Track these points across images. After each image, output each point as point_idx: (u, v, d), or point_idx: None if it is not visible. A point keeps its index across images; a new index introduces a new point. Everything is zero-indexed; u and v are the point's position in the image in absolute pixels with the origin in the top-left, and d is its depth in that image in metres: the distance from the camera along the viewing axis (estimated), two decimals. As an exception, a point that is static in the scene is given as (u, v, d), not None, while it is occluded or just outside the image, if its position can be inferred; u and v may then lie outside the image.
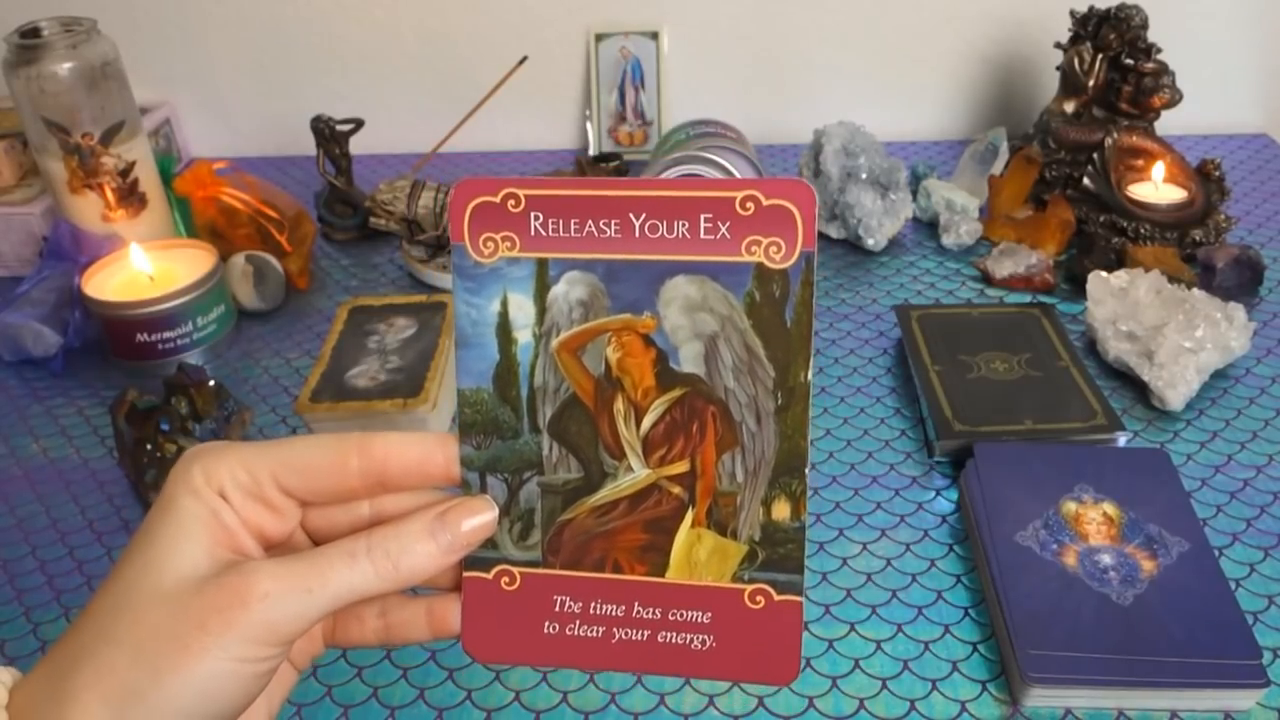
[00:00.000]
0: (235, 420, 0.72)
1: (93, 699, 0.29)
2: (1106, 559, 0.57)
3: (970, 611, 0.58)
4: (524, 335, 0.34)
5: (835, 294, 0.89)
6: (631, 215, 0.32)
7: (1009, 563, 0.57)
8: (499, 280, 0.33)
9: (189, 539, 0.31)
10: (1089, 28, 0.96)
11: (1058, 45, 0.99)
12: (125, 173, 0.89)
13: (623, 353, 0.34)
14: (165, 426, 0.69)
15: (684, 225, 0.32)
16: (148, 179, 0.91)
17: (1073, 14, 0.97)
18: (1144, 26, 0.95)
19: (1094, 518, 0.60)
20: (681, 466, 0.34)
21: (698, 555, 0.34)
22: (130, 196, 0.90)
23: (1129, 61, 0.95)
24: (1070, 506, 0.60)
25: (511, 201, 0.33)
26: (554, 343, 0.34)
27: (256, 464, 0.33)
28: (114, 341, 0.83)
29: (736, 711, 0.53)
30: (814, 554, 0.62)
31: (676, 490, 0.34)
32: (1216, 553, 0.60)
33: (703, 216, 0.32)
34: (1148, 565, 0.56)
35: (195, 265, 0.85)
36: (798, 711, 0.53)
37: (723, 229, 0.32)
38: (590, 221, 0.33)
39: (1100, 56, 0.96)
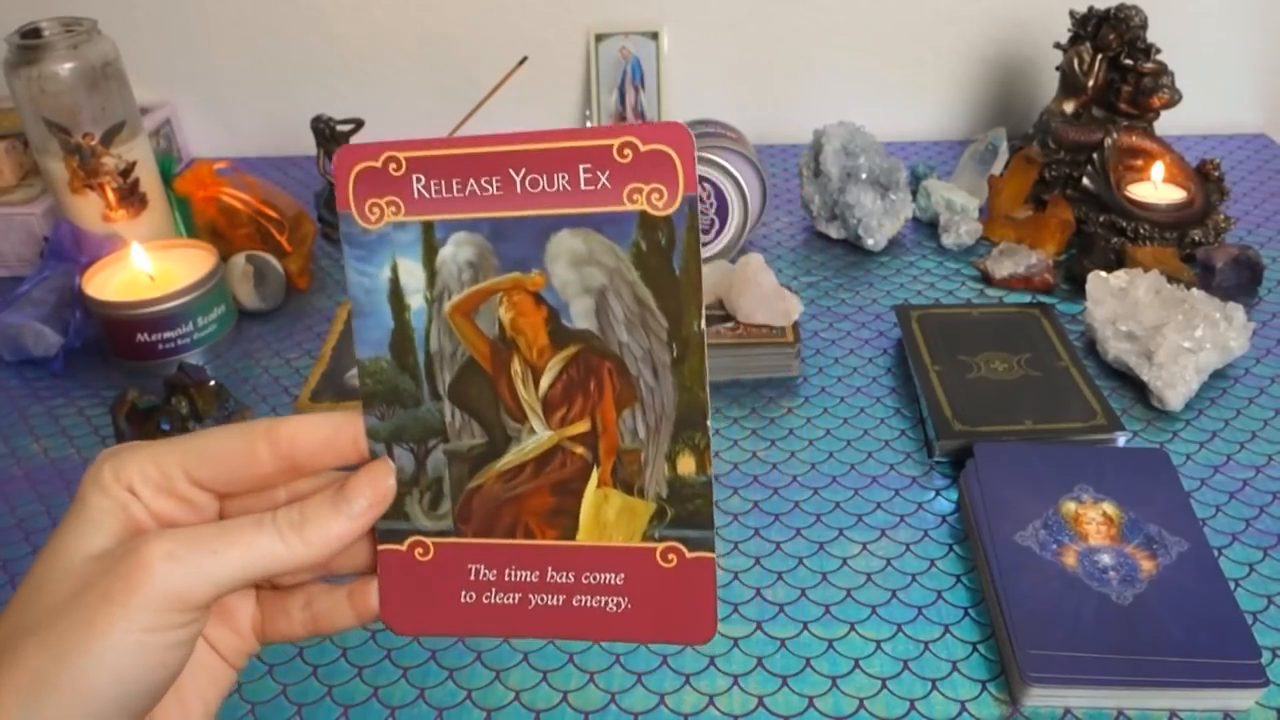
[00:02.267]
0: (235, 420, 0.72)
1: (6, 693, 0.29)
2: (1106, 559, 0.57)
3: (970, 611, 0.58)
4: (416, 300, 0.33)
5: (835, 294, 0.89)
6: (511, 171, 0.32)
7: (1009, 563, 0.57)
8: (387, 246, 0.33)
9: (97, 529, 0.31)
10: (1089, 28, 0.96)
11: (1057, 45, 0.99)
12: (126, 173, 0.89)
13: (515, 312, 0.33)
14: (166, 426, 0.69)
15: (564, 177, 0.31)
16: (148, 179, 0.91)
17: (1072, 14, 0.97)
18: (1143, 26, 0.95)
19: (1094, 518, 0.60)
20: (582, 426, 0.34)
21: (606, 515, 0.34)
22: (131, 196, 0.90)
23: (1128, 62, 0.95)
24: (1070, 506, 0.61)
25: (393, 165, 0.33)
26: (446, 306, 0.33)
27: (165, 459, 0.33)
28: (114, 341, 0.83)
29: (736, 711, 0.53)
30: (814, 554, 0.63)
31: (580, 450, 0.34)
32: (1216, 552, 0.60)
33: (581, 167, 0.31)
34: (1147, 565, 0.56)
35: (195, 265, 0.85)
36: (798, 711, 0.53)
37: (602, 179, 0.31)
38: (472, 180, 0.32)
39: (1100, 57, 0.96)
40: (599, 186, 0.31)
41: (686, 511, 0.33)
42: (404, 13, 1.13)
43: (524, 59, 1.05)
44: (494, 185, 0.32)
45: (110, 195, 0.89)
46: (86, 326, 0.84)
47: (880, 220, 0.93)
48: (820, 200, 0.96)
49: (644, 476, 0.33)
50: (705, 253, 0.91)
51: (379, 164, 0.33)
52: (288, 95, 1.18)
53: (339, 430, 0.34)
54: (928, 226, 0.99)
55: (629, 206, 0.31)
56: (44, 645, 0.29)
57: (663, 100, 1.14)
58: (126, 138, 0.89)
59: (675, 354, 0.32)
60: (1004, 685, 0.54)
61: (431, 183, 0.32)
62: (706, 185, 0.89)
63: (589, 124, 1.16)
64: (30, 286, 0.86)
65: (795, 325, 0.79)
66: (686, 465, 0.33)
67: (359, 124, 1.01)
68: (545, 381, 0.34)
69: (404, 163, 0.32)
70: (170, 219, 0.95)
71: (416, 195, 0.33)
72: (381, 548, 0.35)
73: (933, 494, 0.67)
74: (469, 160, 0.32)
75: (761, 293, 0.78)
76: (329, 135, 0.99)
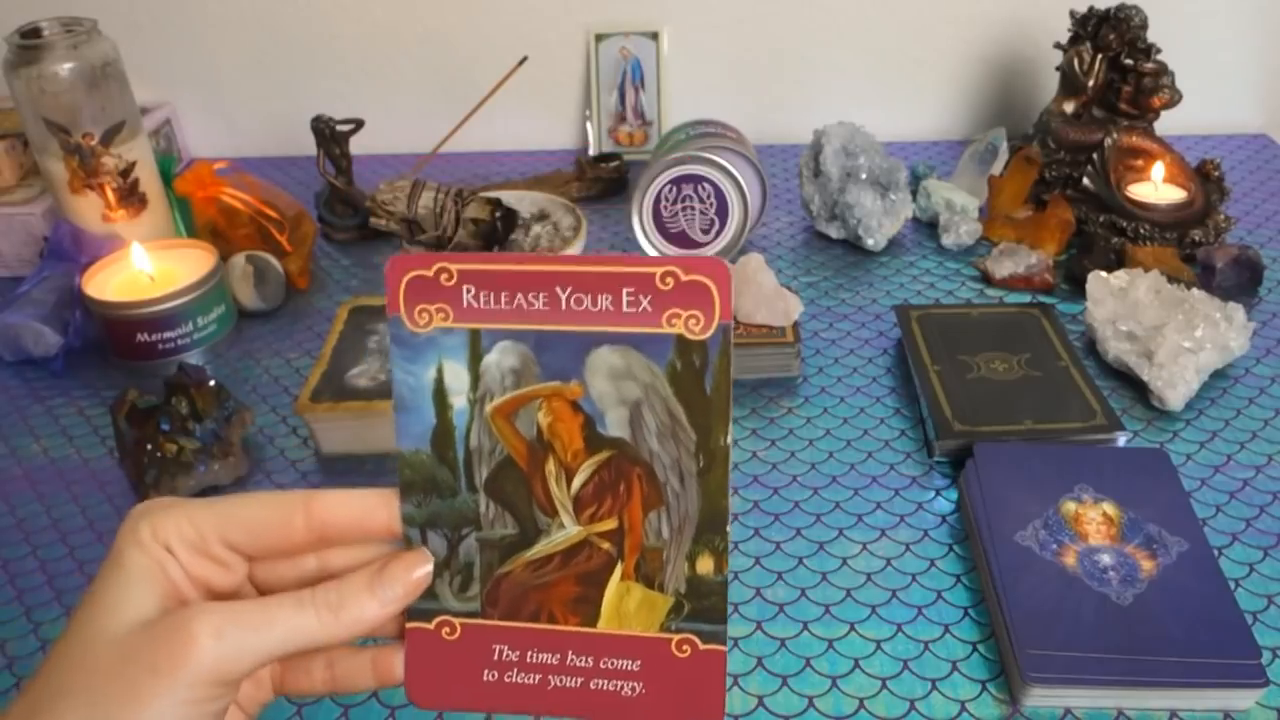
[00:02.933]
0: (235, 420, 0.72)
1: None
2: (1106, 559, 0.57)
3: (970, 611, 0.58)
4: (459, 401, 0.36)
5: (835, 294, 0.89)
6: (558, 289, 0.34)
7: (1009, 563, 0.57)
8: (434, 349, 0.35)
9: (136, 588, 0.32)
10: (1089, 28, 0.96)
11: (1058, 45, 0.99)
12: (126, 173, 0.89)
13: (553, 418, 0.35)
14: (166, 426, 0.69)
15: (607, 298, 0.34)
16: (148, 179, 0.91)
17: (1073, 14, 0.97)
18: (1144, 26, 0.95)
19: (1094, 518, 0.60)
20: (610, 524, 0.36)
21: (627, 607, 0.36)
22: (131, 196, 0.90)
23: (1129, 62, 0.95)
24: (1070, 506, 0.61)
25: (444, 275, 0.34)
26: (488, 408, 0.36)
27: (202, 520, 0.34)
28: (114, 341, 0.83)
29: (736, 711, 0.53)
30: (814, 554, 0.63)
31: (606, 546, 0.36)
32: (1216, 552, 0.60)
33: (625, 290, 0.34)
34: (1147, 565, 0.56)
35: (195, 265, 0.85)
36: (798, 711, 0.53)
37: (644, 302, 0.34)
38: (519, 294, 0.34)
39: (1100, 57, 0.96)
40: (640, 309, 0.34)
41: (703, 607, 0.35)
42: (404, 13, 1.13)
43: (524, 59, 1.05)
44: (540, 300, 0.34)
45: (110, 195, 0.89)
46: (86, 326, 0.84)
47: (880, 220, 0.93)
48: (820, 200, 0.96)
49: (665, 573, 0.36)
50: (705, 252, 0.91)
51: (430, 273, 0.35)
52: (288, 95, 1.18)
53: (374, 511, 0.35)
54: (928, 226, 0.99)
55: (667, 329, 0.34)
56: (91, 711, 0.30)
57: (663, 100, 1.14)
58: (126, 138, 0.89)
59: (702, 464, 0.35)
60: (1004, 685, 0.54)
61: (481, 294, 0.34)
62: (706, 185, 0.89)
63: (589, 124, 1.16)
64: (30, 286, 0.86)
65: (795, 325, 0.79)
66: (705, 565, 0.35)
67: (359, 124, 1.01)
68: (578, 481, 0.36)
69: (455, 274, 0.34)
70: (170, 219, 0.95)
71: (466, 304, 0.35)
72: (410, 625, 0.37)
73: (933, 494, 0.67)
74: (518, 276, 0.34)
75: (761, 293, 0.78)
76: (329, 135, 0.99)
